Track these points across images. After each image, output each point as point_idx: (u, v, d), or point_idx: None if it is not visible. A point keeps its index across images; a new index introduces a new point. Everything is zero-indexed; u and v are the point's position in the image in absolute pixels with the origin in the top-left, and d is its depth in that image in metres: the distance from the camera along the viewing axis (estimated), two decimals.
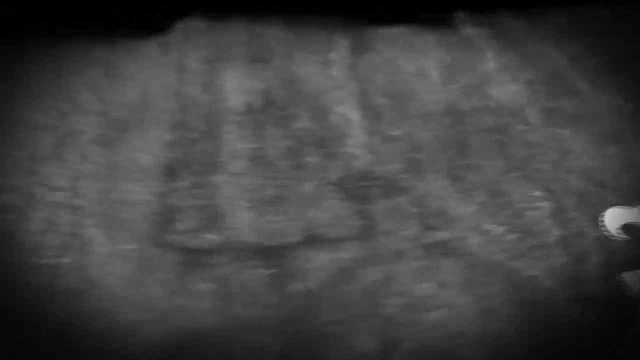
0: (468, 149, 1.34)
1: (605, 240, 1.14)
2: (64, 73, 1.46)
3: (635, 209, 1.18)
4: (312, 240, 1.13)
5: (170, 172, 1.25)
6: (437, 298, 1.05)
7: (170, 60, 1.54)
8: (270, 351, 0.97)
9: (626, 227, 1.15)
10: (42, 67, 1.47)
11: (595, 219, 1.17)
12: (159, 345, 0.97)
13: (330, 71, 1.53)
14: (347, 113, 1.41)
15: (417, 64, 1.57)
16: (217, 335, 0.99)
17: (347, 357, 0.96)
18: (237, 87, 1.47)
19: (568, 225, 1.17)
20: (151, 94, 1.43)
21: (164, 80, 1.47)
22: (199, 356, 0.97)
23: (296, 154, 1.31)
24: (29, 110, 1.36)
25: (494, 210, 1.21)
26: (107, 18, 1.58)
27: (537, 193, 1.24)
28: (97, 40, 1.55)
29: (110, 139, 1.31)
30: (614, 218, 1.17)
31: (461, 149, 1.34)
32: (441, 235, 1.15)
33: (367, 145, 1.33)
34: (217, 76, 1.50)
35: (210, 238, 1.13)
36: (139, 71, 1.49)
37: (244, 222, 1.16)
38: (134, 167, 1.25)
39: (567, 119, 1.42)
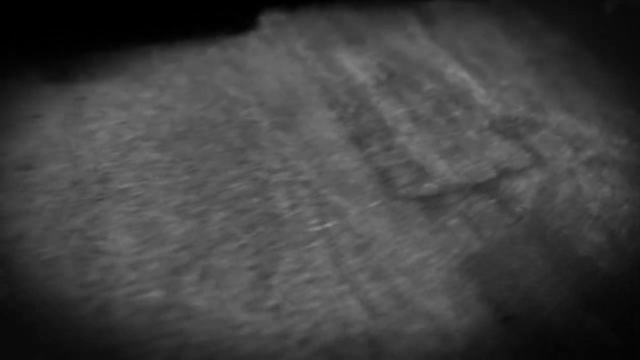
0: (564, 88, 1.64)
1: None
2: (197, 72, 1.55)
3: None
4: (505, 172, 1.37)
5: (357, 141, 1.42)
6: (619, 196, 1.34)
7: (280, 51, 1.67)
8: (535, 258, 1.20)
9: None
10: (175, 69, 1.54)
11: None
12: (451, 271, 1.16)
13: (419, 42, 1.76)
14: (457, 73, 1.65)
15: (480, 27, 1.84)
16: (490, 254, 1.20)
17: (589, 249, 1.22)
18: (354, 65, 1.65)
19: None
20: (288, 82, 1.57)
21: (289, 69, 1.61)
22: (483, 272, 1.17)
23: (443, 110, 1.53)
24: (190, 110, 1.44)
25: (612, 130, 1.52)
26: (208, 20, 1.67)
27: (632, 111, 1.57)
28: (207, 40, 1.65)
29: (284, 124, 1.44)
30: None
31: (558, 89, 1.63)
32: (589, 153, 1.44)
33: (489, 95, 1.59)
34: (331, 59, 1.66)
35: (430, 186, 1.32)
36: (261, 64, 1.62)
37: (444, 169, 1.37)
38: (325, 142, 1.40)
39: (616, 61, 1.77)
